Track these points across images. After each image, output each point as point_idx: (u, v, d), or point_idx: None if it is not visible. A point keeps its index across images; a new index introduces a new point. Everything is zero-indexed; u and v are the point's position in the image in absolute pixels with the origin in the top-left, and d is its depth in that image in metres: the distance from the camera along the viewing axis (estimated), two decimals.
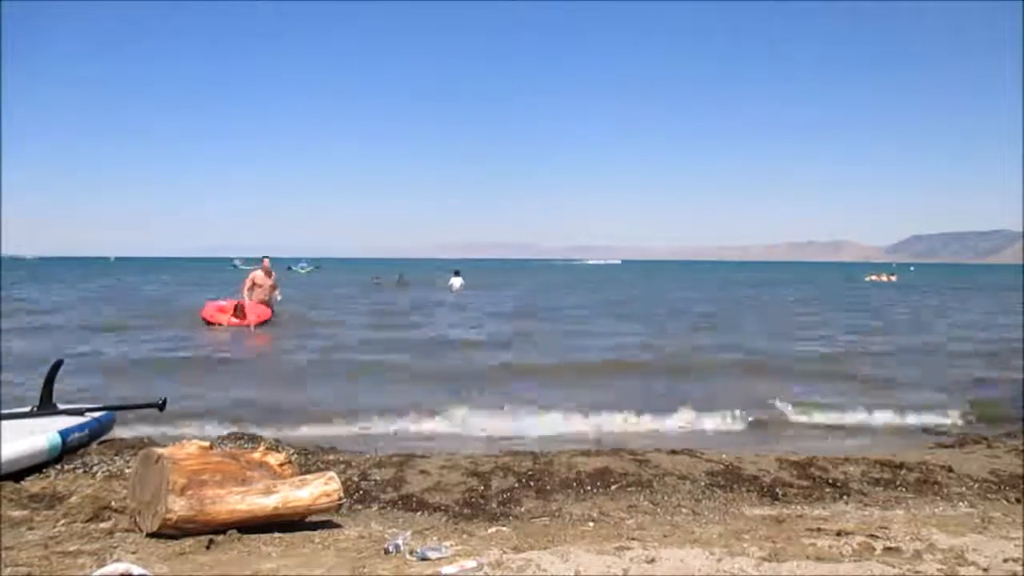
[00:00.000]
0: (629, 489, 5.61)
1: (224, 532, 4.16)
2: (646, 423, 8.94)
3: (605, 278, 67.85)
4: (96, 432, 6.58)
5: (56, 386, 6.75)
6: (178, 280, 52.05)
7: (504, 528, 4.75)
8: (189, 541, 4.06)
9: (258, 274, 18.47)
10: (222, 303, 18.87)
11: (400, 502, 5.34)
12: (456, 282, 36.17)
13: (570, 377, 12.24)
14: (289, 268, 76.80)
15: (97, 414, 6.76)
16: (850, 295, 40.48)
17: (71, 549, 3.98)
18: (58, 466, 5.75)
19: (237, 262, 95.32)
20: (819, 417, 9.37)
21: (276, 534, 4.26)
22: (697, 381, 11.77)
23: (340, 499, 4.66)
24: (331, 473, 4.80)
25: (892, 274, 67.04)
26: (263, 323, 17.87)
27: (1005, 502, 5.56)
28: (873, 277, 62.65)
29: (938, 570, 3.82)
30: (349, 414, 8.97)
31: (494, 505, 5.28)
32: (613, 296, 37.21)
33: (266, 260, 18.75)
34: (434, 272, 52.01)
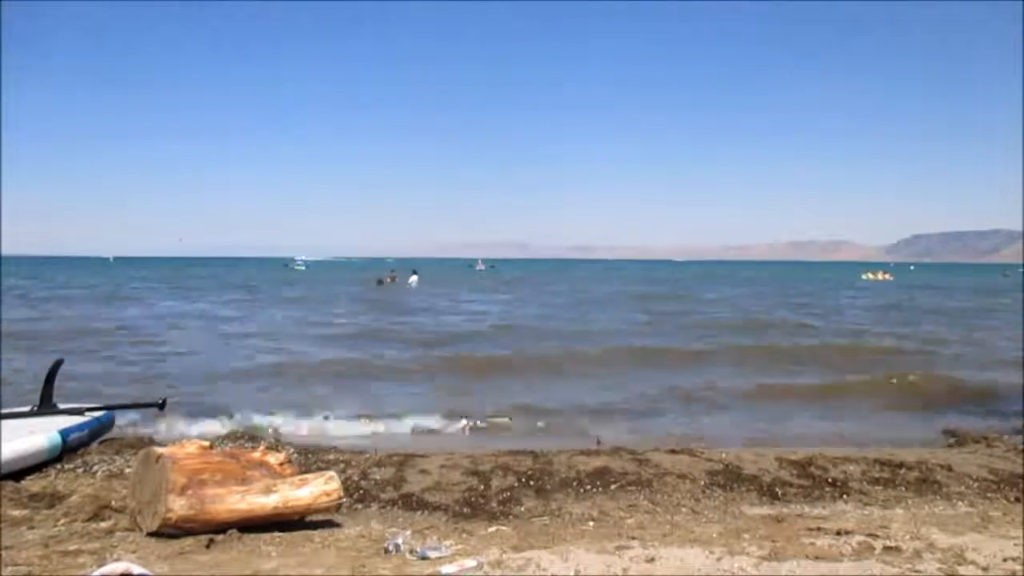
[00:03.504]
0: (629, 488, 5.61)
1: (224, 531, 4.17)
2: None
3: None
4: (96, 431, 6.59)
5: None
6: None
7: (504, 527, 4.75)
8: (189, 540, 4.06)
9: None
10: None
11: (400, 501, 5.34)
12: (414, 279, 43.09)
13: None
14: (285, 265, 79.13)
15: (97, 413, 6.76)
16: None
17: (71, 548, 3.98)
18: (58, 465, 5.75)
19: (299, 263, 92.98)
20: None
21: (276, 533, 4.26)
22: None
23: (340, 498, 4.66)
24: (331, 472, 4.81)
25: (887, 272, 68.71)
26: None
27: (1004, 501, 5.56)
28: (870, 276, 64.32)
29: (938, 569, 3.82)
30: (349, 412, 8.97)
31: (494, 504, 5.28)
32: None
33: None
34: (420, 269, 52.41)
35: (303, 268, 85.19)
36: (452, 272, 60.18)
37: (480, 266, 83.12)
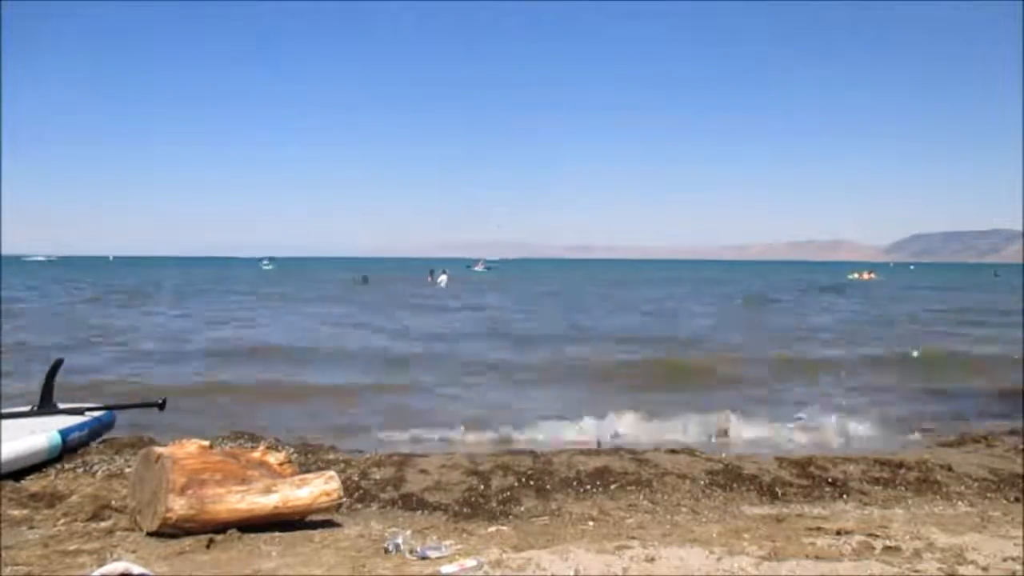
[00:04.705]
0: (629, 488, 5.61)
1: (224, 531, 4.16)
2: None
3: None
4: (96, 431, 6.58)
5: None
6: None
7: (504, 527, 4.74)
8: (189, 540, 4.06)
9: None
10: None
11: (400, 501, 5.34)
12: (443, 279, 43.93)
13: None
14: (259, 264, 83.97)
15: (97, 413, 6.76)
16: None
17: (71, 548, 3.98)
18: (58, 465, 5.75)
19: (266, 262, 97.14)
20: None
21: (276, 533, 4.26)
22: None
23: (340, 498, 4.66)
24: (331, 472, 4.80)
25: (871, 272, 70.59)
26: None
27: (1004, 501, 5.56)
28: (855, 275, 66.53)
29: (938, 569, 3.82)
30: (349, 413, 8.98)
31: (494, 504, 5.27)
32: None
33: None
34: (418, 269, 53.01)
35: (270, 267, 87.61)
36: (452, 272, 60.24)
37: (479, 266, 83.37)
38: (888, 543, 4.23)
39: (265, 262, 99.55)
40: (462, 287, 41.94)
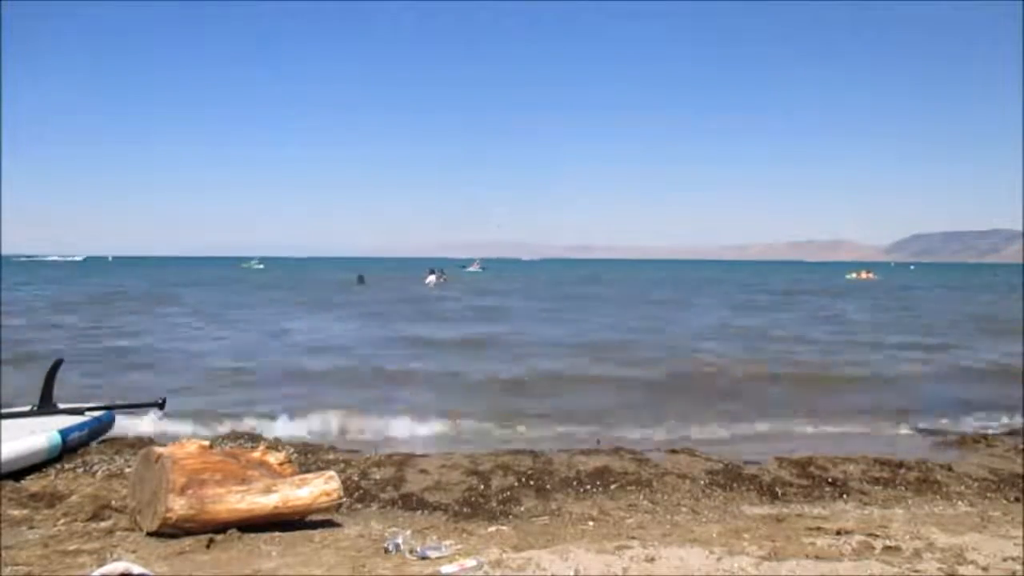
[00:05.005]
0: (629, 488, 5.61)
1: (224, 531, 4.16)
2: None
3: None
4: (96, 431, 6.58)
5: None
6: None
7: (504, 527, 4.74)
8: (189, 540, 4.06)
9: None
10: None
11: (400, 501, 5.34)
12: (431, 279, 44.11)
13: None
14: (249, 263, 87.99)
15: (97, 413, 6.76)
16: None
17: (71, 548, 3.98)
18: (58, 465, 5.75)
19: (256, 262, 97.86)
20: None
21: (276, 533, 4.26)
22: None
23: (340, 498, 4.66)
24: (331, 472, 4.80)
25: (870, 272, 70.99)
26: None
27: (1004, 501, 5.56)
28: (854, 275, 66.94)
29: (938, 569, 3.82)
30: (348, 413, 8.96)
31: (494, 504, 5.27)
32: None
33: None
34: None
35: (261, 267, 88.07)
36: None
37: (475, 267, 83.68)
38: (888, 543, 4.23)
39: (255, 262, 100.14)
40: (456, 287, 41.96)
